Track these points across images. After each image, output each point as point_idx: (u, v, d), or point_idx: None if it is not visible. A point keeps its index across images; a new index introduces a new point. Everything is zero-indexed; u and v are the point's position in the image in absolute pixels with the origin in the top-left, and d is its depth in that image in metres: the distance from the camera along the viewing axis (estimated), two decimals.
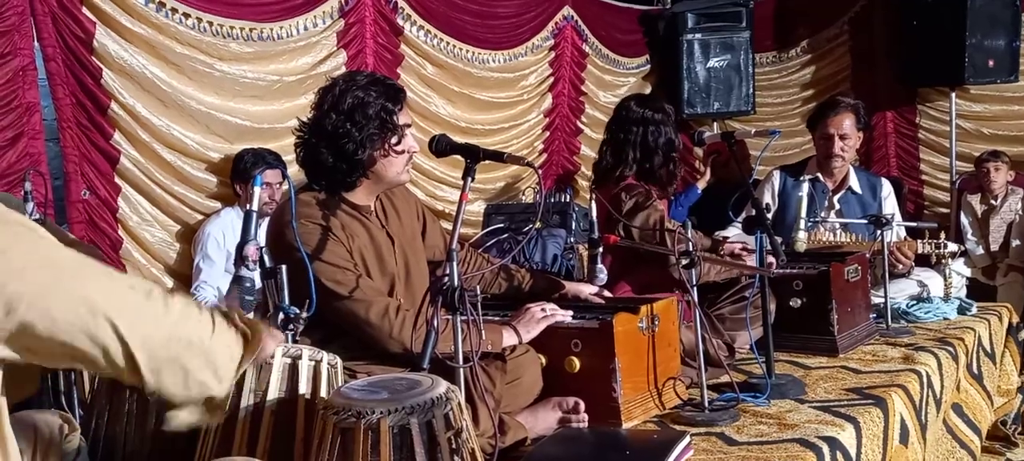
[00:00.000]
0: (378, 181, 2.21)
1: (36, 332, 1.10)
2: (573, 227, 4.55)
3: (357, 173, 2.16)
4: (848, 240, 3.49)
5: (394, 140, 2.16)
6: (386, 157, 2.16)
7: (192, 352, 1.22)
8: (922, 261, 3.65)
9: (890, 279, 3.23)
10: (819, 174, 3.69)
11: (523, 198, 5.08)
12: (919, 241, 3.47)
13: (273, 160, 3.59)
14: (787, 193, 3.71)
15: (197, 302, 1.28)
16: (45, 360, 1.16)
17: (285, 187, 3.46)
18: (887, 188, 3.78)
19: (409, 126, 2.20)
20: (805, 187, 2.98)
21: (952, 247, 3.44)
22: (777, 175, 3.81)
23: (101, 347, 1.14)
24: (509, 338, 2.23)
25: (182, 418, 1.27)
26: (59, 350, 1.13)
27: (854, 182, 3.68)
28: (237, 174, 3.56)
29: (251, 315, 1.71)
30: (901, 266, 3.50)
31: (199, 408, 1.28)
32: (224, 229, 3.51)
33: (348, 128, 2.11)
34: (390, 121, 2.14)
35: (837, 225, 3.55)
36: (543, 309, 2.33)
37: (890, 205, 3.71)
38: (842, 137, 3.57)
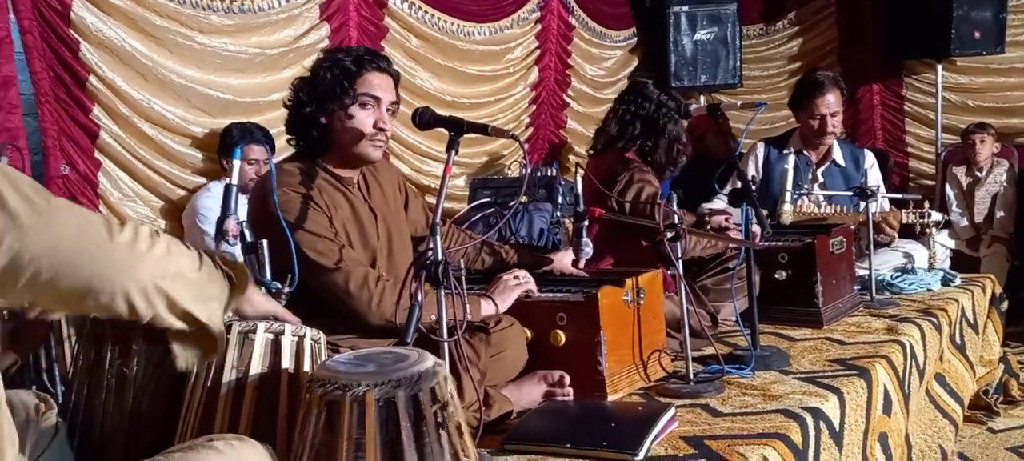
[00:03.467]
0: (342, 151, 2.19)
1: (22, 261, 1.12)
2: (559, 201, 4.54)
3: (316, 132, 2.17)
4: (832, 212, 3.49)
5: (347, 101, 2.13)
6: (341, 123, 2.15)
7: (180, 282, 1.30)
8: (907, 231, 3.67)
9: (875, 249, 3.24)
10: (803, 147, 3.70)
11: (509, 172, 5.06)
12: (904, 211, 3.49)
13: (260, 137, 3.54)
14: (771, 165, 3.72)
15: (184, 243, 1.35)
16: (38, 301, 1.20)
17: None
18: (870, 159, 3.79)
19: (377, 99, 2.17)
20: (791, 159, 2.98)
21: (936, 216, 3.46)
22: (761, 147, 3.81)
23: (83, 284, 1.19)
24: (487, 307, 2.23)
25: (182, 356, 1.40)
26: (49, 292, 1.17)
27: (837, 155, 3.69)
28: (224, 149, 3.52)
29: None
30: (885, 235, 3.51)
31: (192, 346, 1.37)
32: (215, 202, 3.48)
33: (306, 89, 2.17)
34: (342, 85, 2.13)
35: (821, 197, 3.56)
36: (516, 277, 2.34)
37: (874, 176, 3.72)
38: (833, 115, 3.58)
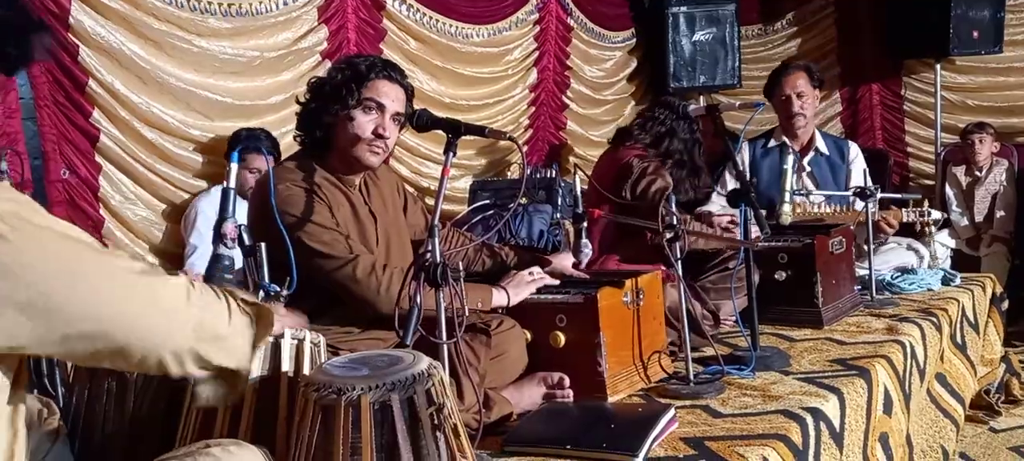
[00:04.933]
0: (341, 153, 2.20)
1: (52, 339, 1.11)
2: (559, 202, 4.54)
3: (320, 132, 2.19)
4: (829, 211, 3.49)
5: (351, 103, 2.15)
6: (342, 125, 2.17)
7: (212, 342, 1.25)
8: (907, 231, 3.68)
9: (876, 249, 3.25)
10: (785, 139, 3.74)
11: (510, 173, 5.06)
12: (903, 209, 3.50)
13: (267, 144, 3.51)
14: (757, 163, 3.76)
15: (213, 289, 1.31)
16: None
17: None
18: (854, 150, 3.84)
19: (382, 107, 2.18)
20: (790, 159, 2.98)
21: (936, 214, 3.46)
22: (746, 147, 3.84)
23: (120, 350, 1.16)
24: (499, 297, 2.24)
25: (205, 394, 1.32)
26: (79, 353, 1.15)
27: (821, 145, 3.76)
28: (231, 153, 3.51)
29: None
30: (883, 234, 3.52)
31: (218, 386, 1.32)
32: (216, 206, 3.47)
33: (318, 87, 2.21)
34: (349, 86, 2.15)
35: (820, 197, 3.56)
36: (531, 273, 2.35)
37: (859, 166, 3.75)
38: (799, 96, 3.66)
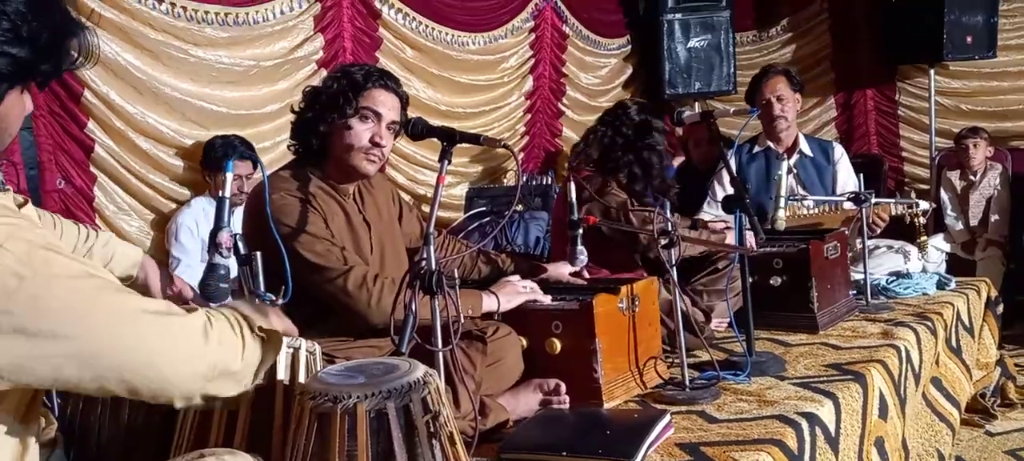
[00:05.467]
0: (337, 161, 2.21)
1: (66, 381, 1.13)
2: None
3: (316, 141, 2.20)
4: (818, 211, 3.50)
5: (349, 111, 2.16)
6: (339, 133, 2.18)
7: (222, 379, 1.28)
8: (899, 232, 3.70)
9: (874, 252, 3.25)
10: (769, 143, 3.76)
11: (506, 181, 5.07)
12: (892, 203, 3.51)
13: (244, 150, 3.52)
14: (744, 169, 3.79)
15: (229, 320, 1.31)
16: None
17: (257, 174, 3.42)
18: (839, 150, 3.88)
19: (378, 115, 2.19)
20: (785, 165, 2.99)
21: (924, 205, 3.46)
22: (731, 153, 3.86)
23: (131, 390, 1.19)
24: (489, 303, 2.24)
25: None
26: (88, 388, 1.17)
27: (805, 147, 3.80)
28: (209, 162, 3.51)
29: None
30: (877, 227, 3.53)
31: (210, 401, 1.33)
32: (197, 218, 3.47)
33: (313, 96, 2.22)
34: (346, 95, 2.16)
35: (810, 201, 3.57)
36: (524, 284, 2.35)
37: (845, 166, 3.77)
38: (779, 99, 3.69)
